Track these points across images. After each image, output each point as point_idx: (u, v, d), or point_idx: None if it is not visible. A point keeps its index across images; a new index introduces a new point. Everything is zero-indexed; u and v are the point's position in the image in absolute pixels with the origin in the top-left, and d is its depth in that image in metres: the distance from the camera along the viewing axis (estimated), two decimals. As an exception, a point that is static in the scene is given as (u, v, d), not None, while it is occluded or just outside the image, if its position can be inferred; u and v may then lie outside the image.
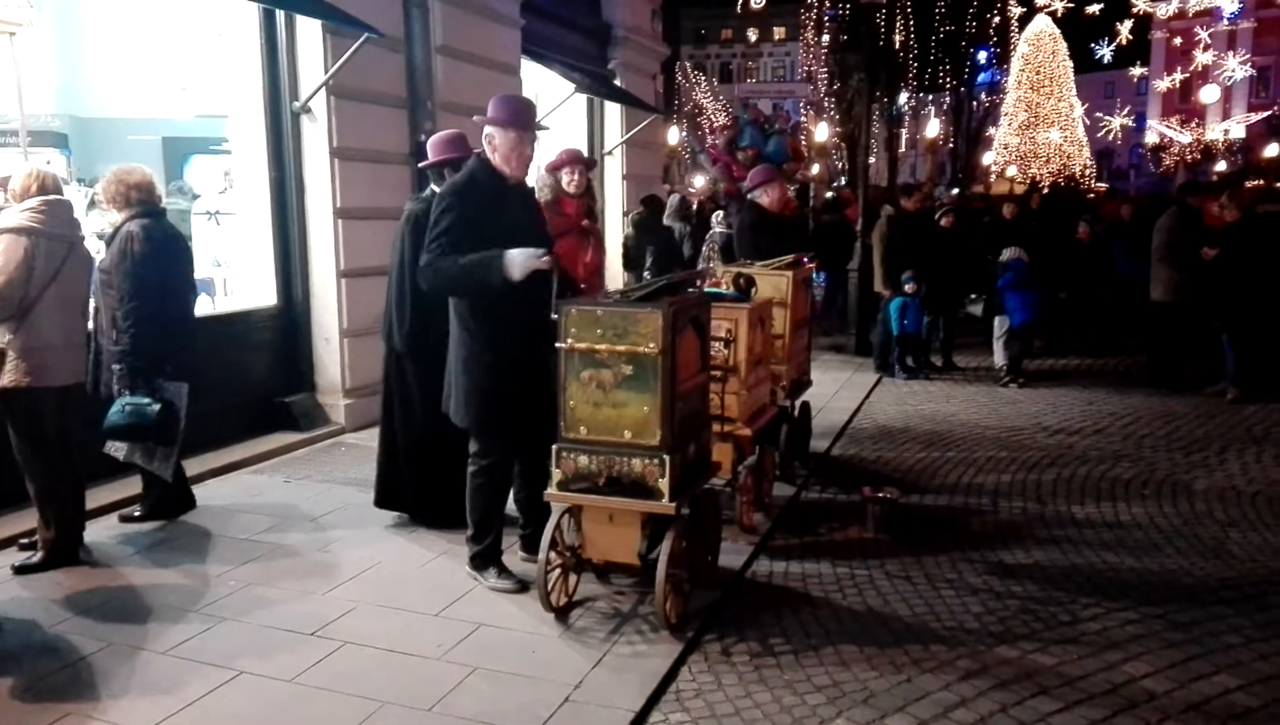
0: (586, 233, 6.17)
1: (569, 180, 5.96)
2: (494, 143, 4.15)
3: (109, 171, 4.92)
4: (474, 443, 4.29)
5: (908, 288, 9.37)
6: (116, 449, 4.87)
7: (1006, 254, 9.40)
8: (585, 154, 6.33)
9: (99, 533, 4.99)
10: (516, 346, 4.10)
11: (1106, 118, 46.62)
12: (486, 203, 4.10)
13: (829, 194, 17.36)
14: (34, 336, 4.38)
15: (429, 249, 4.07)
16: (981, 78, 42.80)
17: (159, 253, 4.83)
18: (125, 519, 5.21)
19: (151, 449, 4.86)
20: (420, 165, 5.33)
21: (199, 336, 5.30)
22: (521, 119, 4.18)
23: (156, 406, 4.73)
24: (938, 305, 9.92)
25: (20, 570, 4.50)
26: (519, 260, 3.89)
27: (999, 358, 9.69)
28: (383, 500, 5.25)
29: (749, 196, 7.08)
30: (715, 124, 40.17)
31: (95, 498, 5.19)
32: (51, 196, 4.48)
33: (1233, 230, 8.59)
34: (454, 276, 4.01)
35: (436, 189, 5.01)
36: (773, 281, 5.66)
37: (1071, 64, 43.83)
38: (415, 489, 5.14)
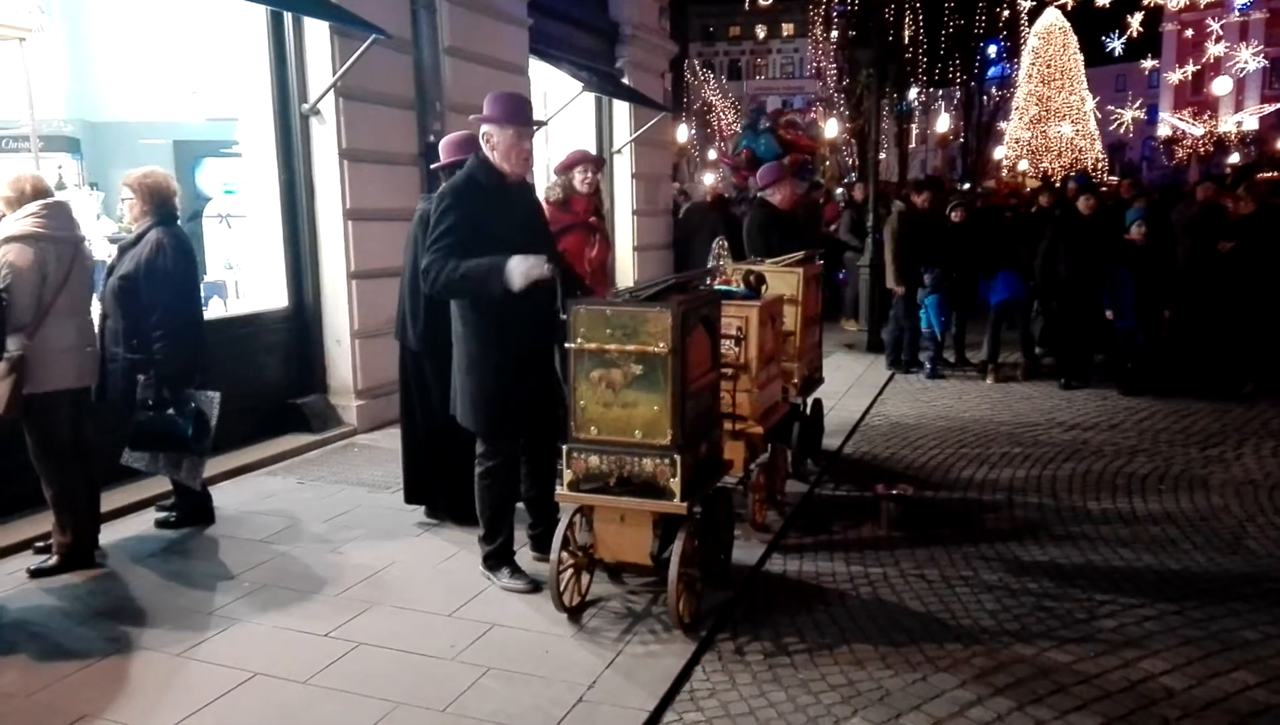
0: (592, 229, 6.17)
1: (582, 179, 5.99)
2: (492, 141, 4.12)
3: (129, 175, 4.86)
4: (480, 444, 4.28)
5: (927, 279, 9.35)
6: (137, 460, 4.83)
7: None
8: (594, 153, 6.34)
9: (113, 535, 5.01)
10: (519, 345, 4.09)
11: (1118, 111, 46.39)
12: (486, 202, 4.08)
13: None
14: (50, 341, 4.39)
15: (430, 251, 4.02)
16: (992, 72, 42.69)
17: (186, 261, 4.83)
18: (161, 524, 5.21)
19: (177, 459, 4.83)
20: (433, 166, 5.35)
21: (211, 340, 5.31)
22: (518, 115, 4.14)
23: (189, 418, 4.73)
24: (951, 301, 9.86)
25: (36, 573, 4.51)
26: (519, 270, 3.83)
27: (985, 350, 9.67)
28: (411, 496, 5.31)
29: (759, 195, 7.07)
30: (724, 124, 40.21)
31: (110, 500, 5.20)
32: (50, 200, 4.48)
33: (1248, 222, 8.52)
34: (454, 282, 3.95)
35: None
36: (783, 278, 5.64)
37: (1082, 57, 43.66)
38: (442, 483, 5.18)
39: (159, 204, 4.81)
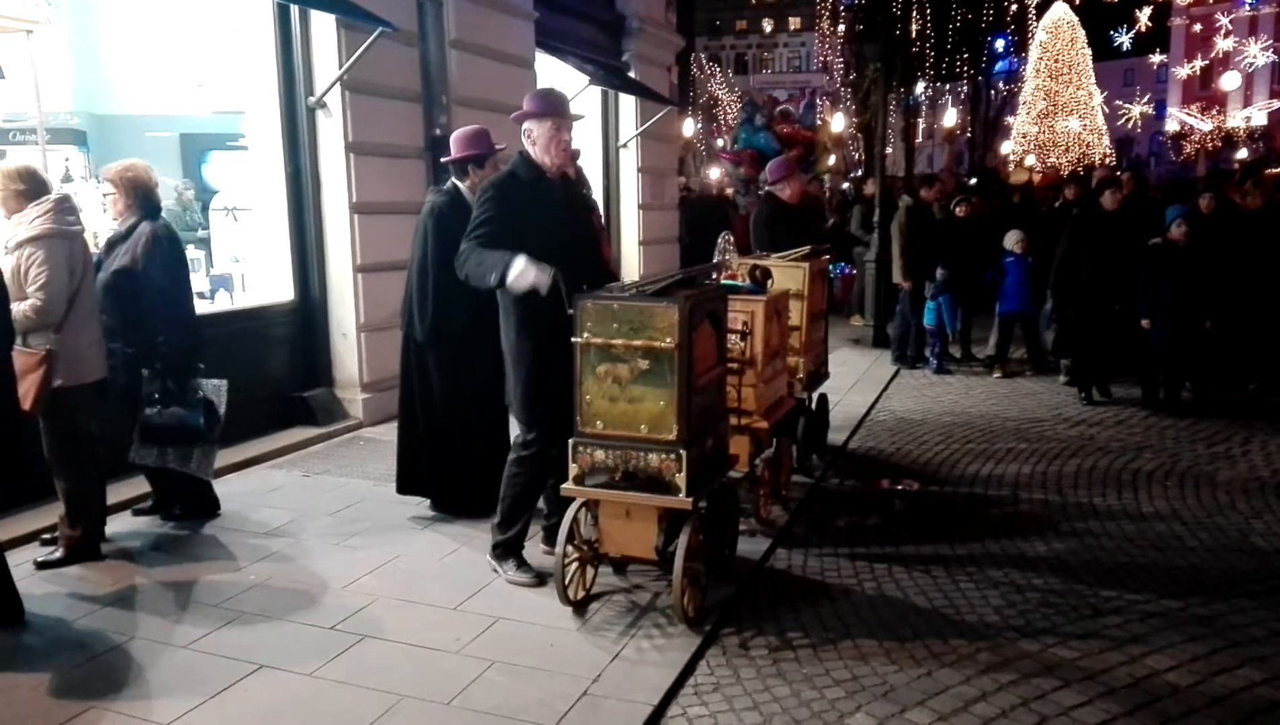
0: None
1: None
2: (532, 136, 4.22)
3: (108, 169, 4.85)
4: (523, 432, 4.32)
5: (939, 276, 9.32)
6: (145, 455, 4.82)
7: (1010, 241, 9.14)
8: (579, 149, 6.30)
9: (119, 528, 5.03)
10: (550, 337, 4.10)
11: (1126, 106, 46.26)
12: (525, 196, 4.16)
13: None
14: (74, 335, 4.42)
15: (467, 239, 4.14)
16: (999, 66, 42.54)
17: (178, 252, 4.84)
18: (167, 518, 5.20)
19: (188, 451, 4.83)
20: (442, 160, 5.35)
21: (217, 333, 5.32)
22: (555, 107, 4.25)
23: (199, 409, 4.74)
24: (958, 298, 9.82)
25: (43, 565, 4.52)
26: (517, 274, 3.89)
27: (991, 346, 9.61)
28: (404, 486, 5.30)
29: (767, 190, 7.07)
30: (729, 118, 40.20)
31: (116, 493, 5.21)
32: (58, 195, 4.50)
33: (1255, 218, 8.49)
34: (469, 267, 4.08)
35: (458, 182, 5.05)
36: (789, 273, 5.63)
37: (1090, 51, 43.48)
38: (438, 476, 5.20)
39: (143, 197, 4.82)
